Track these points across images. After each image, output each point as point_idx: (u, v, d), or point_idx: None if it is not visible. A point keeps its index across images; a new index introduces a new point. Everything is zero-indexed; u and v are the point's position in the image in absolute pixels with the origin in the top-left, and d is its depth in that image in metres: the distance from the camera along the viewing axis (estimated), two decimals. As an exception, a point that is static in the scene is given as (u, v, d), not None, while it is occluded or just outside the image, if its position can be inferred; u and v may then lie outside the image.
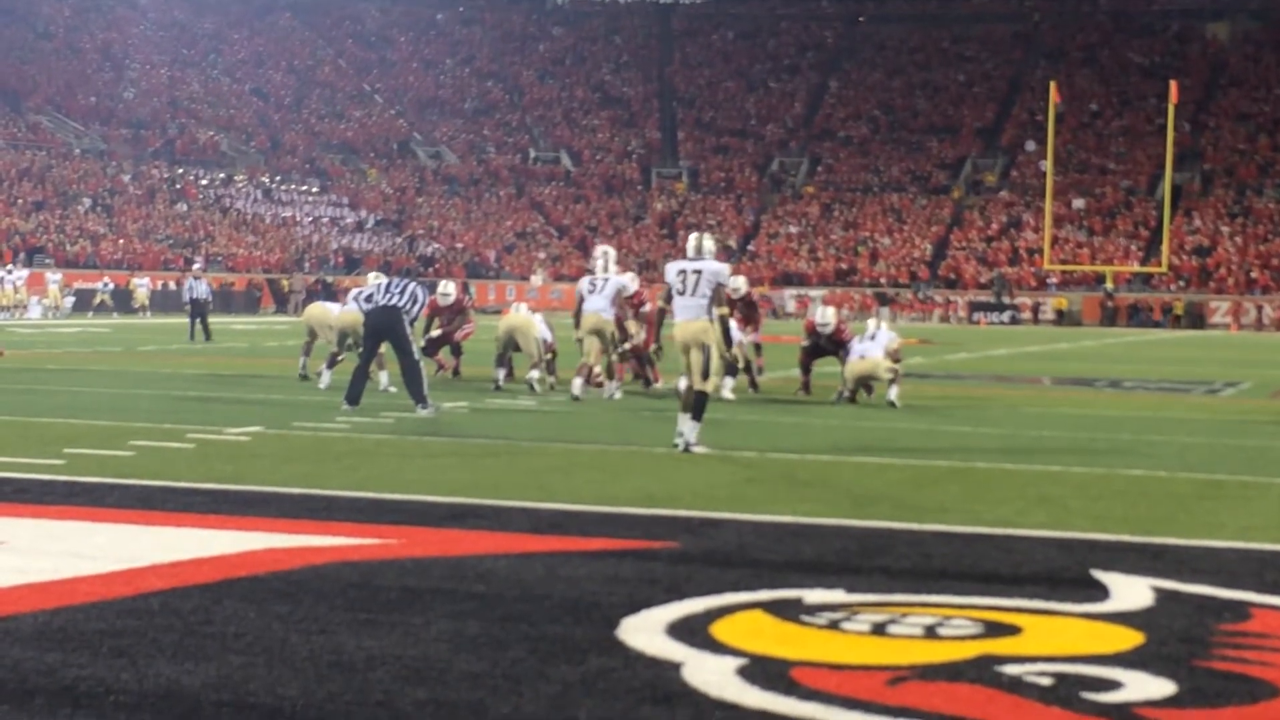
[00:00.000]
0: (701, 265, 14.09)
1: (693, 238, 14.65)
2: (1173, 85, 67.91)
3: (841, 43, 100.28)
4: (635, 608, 7.15)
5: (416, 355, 17.60)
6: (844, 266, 79.61)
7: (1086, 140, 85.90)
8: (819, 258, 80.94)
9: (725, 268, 14.52)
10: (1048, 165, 69.41)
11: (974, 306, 73.64)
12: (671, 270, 14.35)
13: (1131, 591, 7.81)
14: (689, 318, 14.02)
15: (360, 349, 18.64)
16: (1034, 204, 79.18)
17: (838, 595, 7.57)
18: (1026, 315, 72.79)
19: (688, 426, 13.72)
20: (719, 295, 14.07)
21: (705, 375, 13.77)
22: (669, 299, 14.23)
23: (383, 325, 17.58)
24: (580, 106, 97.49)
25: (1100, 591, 7.82)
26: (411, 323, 17.74)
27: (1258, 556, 9.08)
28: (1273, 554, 9.18)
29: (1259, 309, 70.57)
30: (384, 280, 18.42)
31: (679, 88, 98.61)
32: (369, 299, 17.93)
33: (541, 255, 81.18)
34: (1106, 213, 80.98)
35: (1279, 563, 8.90)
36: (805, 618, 7.08)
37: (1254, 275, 73.28)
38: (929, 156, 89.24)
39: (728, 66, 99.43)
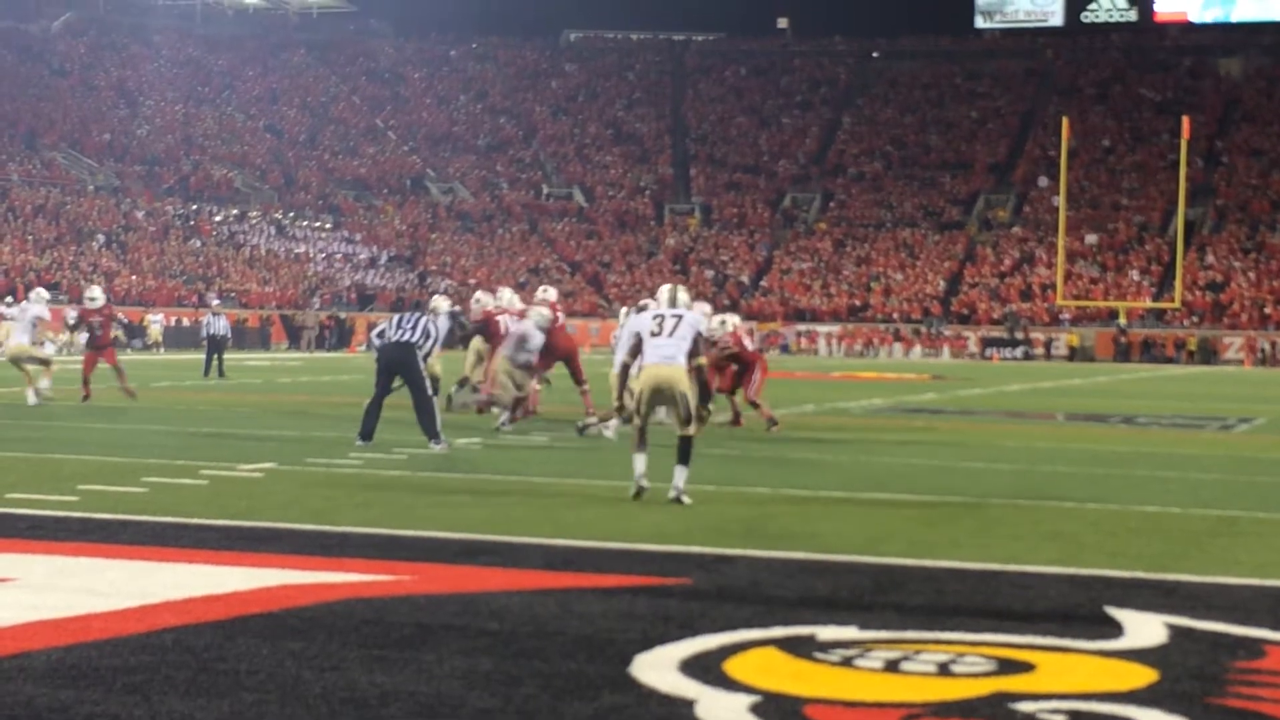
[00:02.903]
0: (682, 312, 13.55)
1: (666, 289, 14.11)
2: (1185, 121, 67.96)
3: (854, 79, 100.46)
4: (648, 644, 7.14)
5: (430, 391, 17.61)
6: (856, 303, 79.59)
7: (1099, 176, 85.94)
8: (831, 294, 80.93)
9: (704, 319, 14.30)
10: (1060, 201, 69.45)
11: (987, 342, 73.61)
12: (644, 317, 13.73)
13: (1146, 628, 7.79)
14: (662, 360, 13.19)
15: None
16: (1047, 239, 79.18)
17: (851, 632, 7.55)
18: (1039, 351, 72.73)
19: (679, 474, 12.96)
20: (698, 345, 13.46)
21: (687, 421, 13.07)
22: (634, 353, 13.50)
23: (395, 361, 17.60)
24: (593, 142, 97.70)
25: (1114, 628, 7.80)
26: (425, 358, 17.76)
27: (1273, 593, 9.06)
28: (1287, 591, 9.16)
29: (1272, 344, 70.43)
30: (396, 315, 18.47)
31: (692, 124, 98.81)
32: (381, 334, 17.97)
33: (554, 291, 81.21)
34: (1119, 248, 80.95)
35: (1293, 600, 8.87)
36: (818, 655, 7.07)
37: (1267, 311, 73.18)
38: (942, 192, 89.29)
39: (740, 102, 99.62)
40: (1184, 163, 66.24)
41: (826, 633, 7.52)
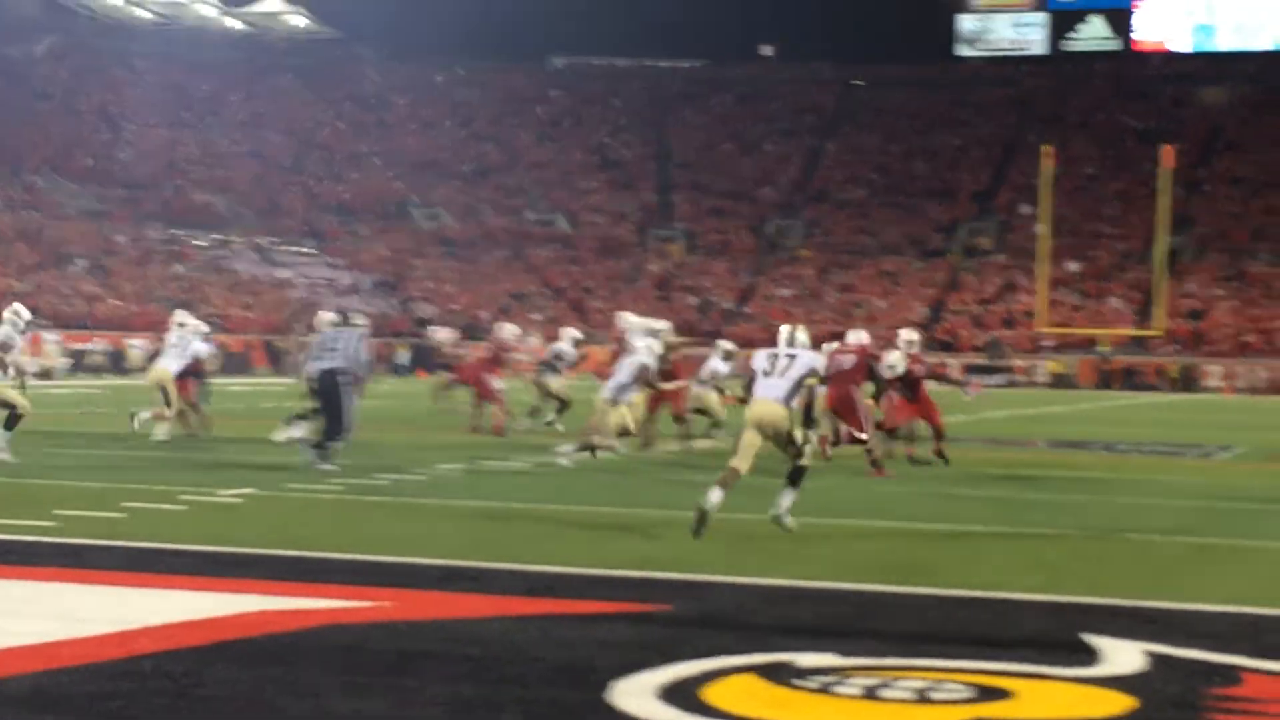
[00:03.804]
0: (797, 352, 13.73)
1: (785, 328, 14.18)
2: (1166, 149, 68.19)
3: (838, 106, 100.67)
4: (627, 671, 7.14)
5: (349, 419, 17.64)
6: (839, 329, 79.62)
7: (1081, 204, 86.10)
8: (814, 320, 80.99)
9: (821, 359, 14.37)
10: (1043, 229, 69.63)
11: (969, 369, 73.66)
12: (761, 354, 13.86)
13: (1124, 656, 7.81)
14: (771, 398, 13.36)
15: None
16: (1029, 267, 79.34)
17: (830, 659, 7.56)
18: (1022, 378, 72.83)
19: (787, 497, 13.13)
20: (810, 388, 13.68)
21: (798, 455, 13.20)
22: (749, 388, 13.61)
23: (326, 386, 17.73)
24: (578, 169, 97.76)
25: (1092, 656, 7.82)
26: (357, 381, 17.82)
27: (1250, 620, 9.09)
28: (1265, 618, 9.19)
29: (1253, 373, 70.59)
30: (321, 335, 18.53)
31: (676, 150, 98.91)
32: (318, 357, 18.03)
33: (537, 317, 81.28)
34: (1101, 276, 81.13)
35: (1272, 627, 8.90)
36: (797, 681, 7.08)
37: (1248, 339, 73.36)
38: (925, 220, 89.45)
39: (724, 129, 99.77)
40: (1165, 191, 66.44)
41: (806, 659, 7.53)
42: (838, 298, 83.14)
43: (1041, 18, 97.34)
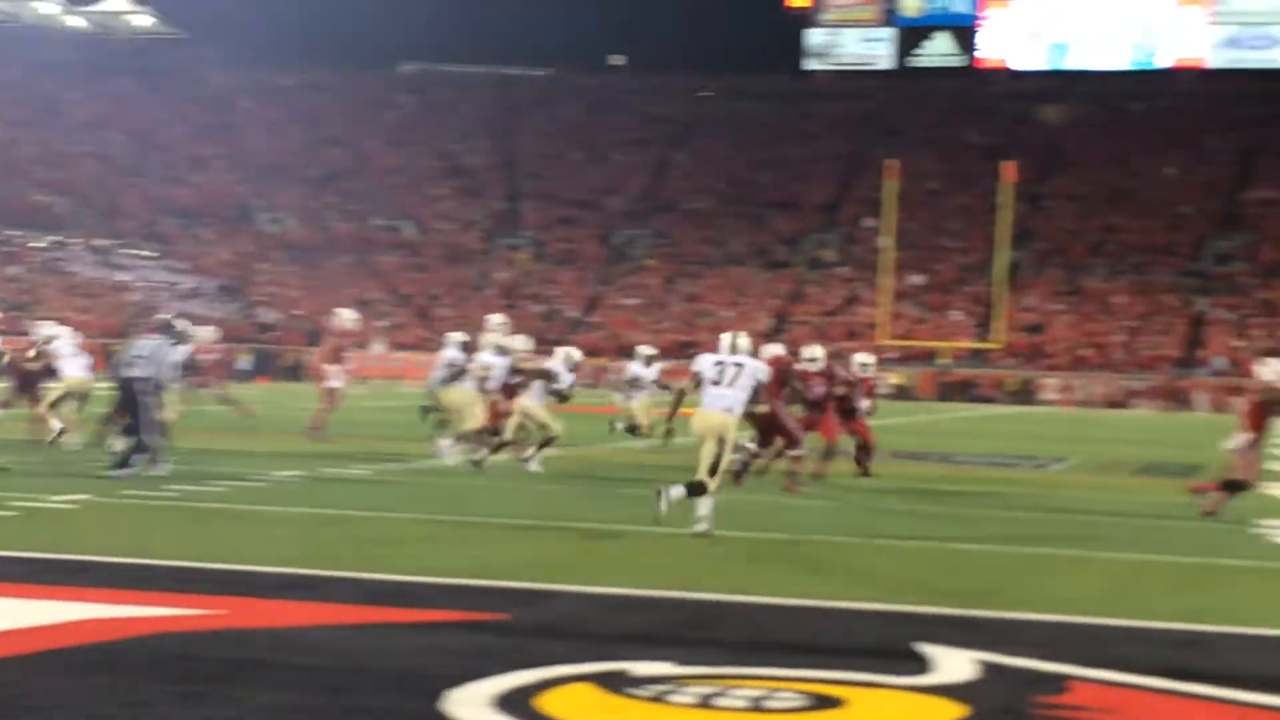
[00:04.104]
0: (743, 360, 14.02)
1: (727, 336, 14.54)
2: (1008, 165, 69.23)
3: (687, 117, 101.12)
4: (462, 680, 7.12)
5: (153, 431, 17.47)
6: (684, 339, 79.99)
7: (924, 218, 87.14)
8: (660, 330, 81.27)
9: (766, 367, 14.59)
10: (886, 242, 70.41)
11: (813, 380, 74.15)
12: (707, 360, 14.18)
13: (955, 664, 7.91)
14: (720, 409, 13.74)
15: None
16: (872, 280, 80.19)
17: (666, 668, 7.59)
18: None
19: (703, 505, 13.37)
20: (758, 393, 14.14)
21: (713, 472, 13.50)
22: (697, 386, 13.97)
23: (126, 395, 17.61)
24: (426, 175, 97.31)
25: (924, 664, 7.92)
26: (158, 389, 17.66)
27: (1078, 629, 9.25)
28: (1092, 627, 9.36)
29: (1089, 386, 71.86)
30: (139, 342, 18.35)
31: (524, 158, 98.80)
32: (128, 364, 17.86)
33: (382, 324, 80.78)
34: (943, 289, 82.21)
35: (1098, 635, 9.07)
36: (631, 690, 7.09)
37: (1084, 353, 74.69)
38: (771, 231, 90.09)
39: (573, 138, 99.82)
40: (1006, 206, 67.46)
41: (641, 668, 7.55)
42: (684, 307, 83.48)
43: (889, 33, 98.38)
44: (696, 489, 13.40)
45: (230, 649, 7.76)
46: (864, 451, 21.06)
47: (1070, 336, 76.59)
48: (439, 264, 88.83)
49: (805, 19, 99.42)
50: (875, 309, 75.46)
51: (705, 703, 6.90)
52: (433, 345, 74.18)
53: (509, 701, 6.76)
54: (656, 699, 6.95)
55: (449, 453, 20.97)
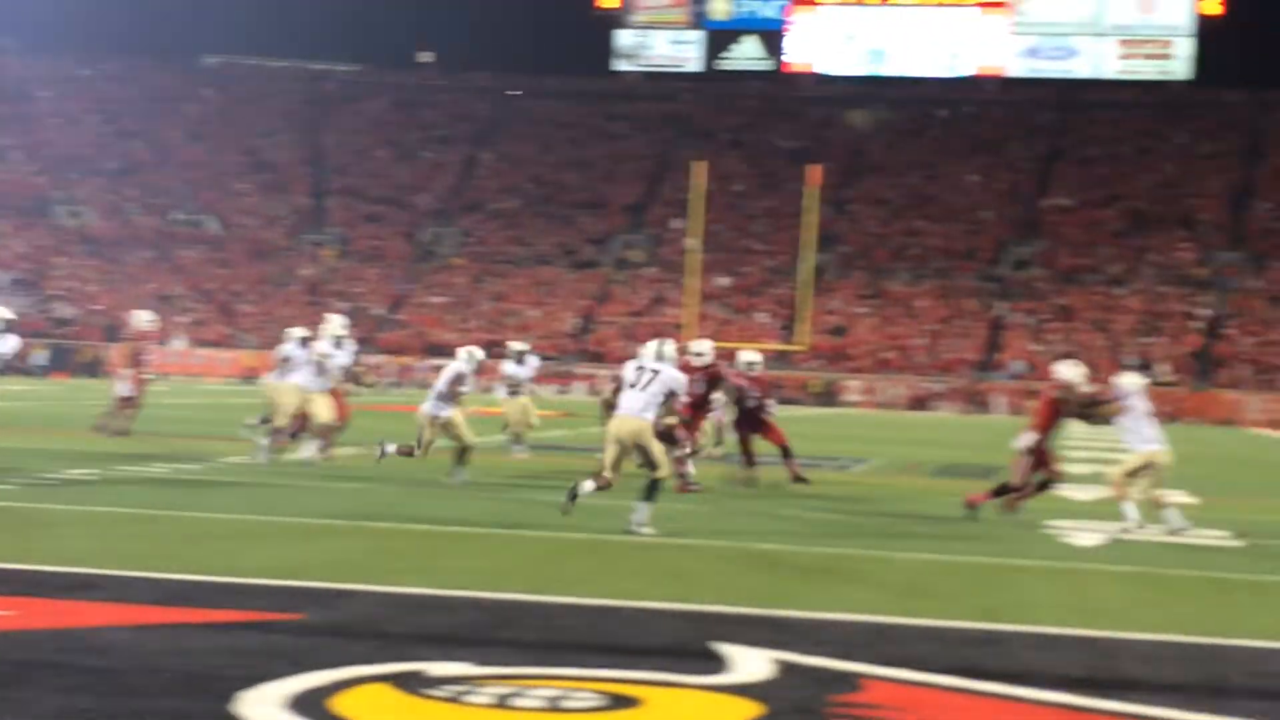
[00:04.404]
0: (660, 369, 14.37)
1: (654, 343, 15.15)
2: (813, 169, 70.02)
3: (494, 115, 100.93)
4: (255, 681, 7.02)
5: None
6: (492, 338, 79.85)
7: (731, 220, 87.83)
8: (467, 328, 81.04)
9: (682, 380, 14.83)
10: (693, 243, 70.83)
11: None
12: (630, 367, 14.60)
13: (752, 663, 7.96)
14: (632, 413, 14.12)
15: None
16: (679, 281, 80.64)
17: (464, 668, 7.55)
18: (670, 390, 73.95)
19: (643, 508, 13.88)
20: (671, 403, 14.53)
21: (655, 467, 14.03)
22: (617, 391, 14.60)
23: None
24: (229, 169, 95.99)
25: (721, 663, 7.96)
26: None
27: (873, 629, 9.36)
28: (887, 626, 9.47)
29: (891, 388, 72.94)
30: None
31: (331, 154, 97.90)
32: None
33: (183, 320, 79.56)
34: (750, 291, 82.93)
35: (892, 635, 9.18)
36: (428, 690, 7.05)
37: (887, 356, 75.81)
38: (578, 231, 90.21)
39: (380, 134, 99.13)
40: (812, 210, 68.19)
41: (438, 668, 7.51)
42: (491, 306, 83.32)
43: (698, 36, 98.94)
44: (650, 491, 13.95)
45: (17, 651, 7.57)
46: (785, 455, 20.91)
47: (873, 339, 77.69)
48: (242, 260, 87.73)
49: (614, 20, 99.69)
50: (682, 310, 75.90)
51: (502, 703, 6.88)
52: (234, 342, 73.43)
53: (302, 702, 6.68)
54: (453, 699, 6.91)
55: (304, 451, 20.64)
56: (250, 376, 66.40)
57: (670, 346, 14.95)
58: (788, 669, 7.88)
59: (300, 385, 21.03)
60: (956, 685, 7.70)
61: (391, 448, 18.86)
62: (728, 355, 22.83)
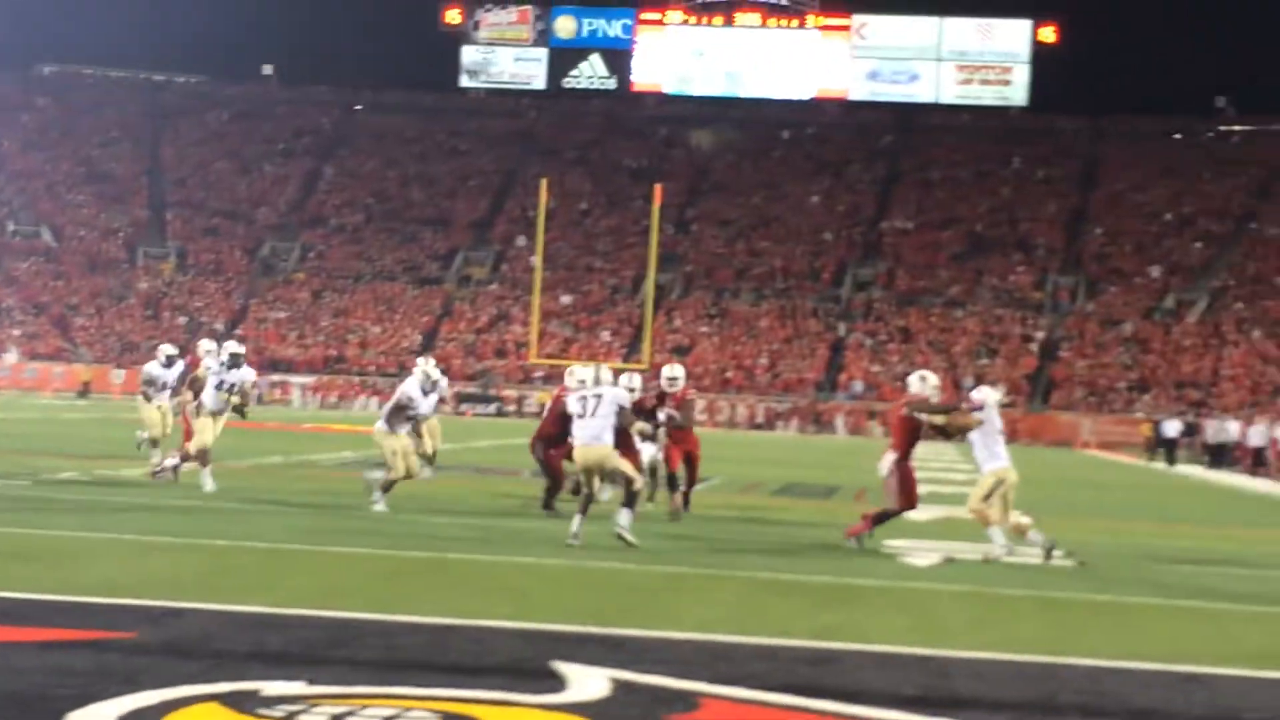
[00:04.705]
0: (602, 390, 14.96)
1: (592, 369, 15.68)
2: (657, 188, 70.28)
3: (337, 129, 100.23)
4: (85, 701, 6.91)
5: None
6: (333, 353, 79.23)
7: (575, 238, 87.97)
8: (308, 344, 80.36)
9: (626, 395, 15.54)
10: (537, 261, 70.79)
11: (461, 398, 74.20)
12: (573, 399, 15.14)
13: (589, 682, 7.96)
14: (589, 442, 14.79)
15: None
16: (523, 298, 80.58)
17: (298, 687, 7.47)
18: (511, 408, 73.82)
19: (624, 514, 14.59)
20: (623, 417, 15.00)
21: (630, 482, 14.78)
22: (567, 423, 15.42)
23: None
24: (65, 180, 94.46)
25: (559, 682, 7.95)
26: None
27: (711, 648, 9.39)
28: (725, 645, 9.51)
29: (732, 408, 73.38)
30: None
31: (170, 166, 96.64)
32: None
33: (16, 333, 78.13)
34: (593, 309, 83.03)
35: (729, 654, 9.22)
36: (262, 710, 6.97)
37: (729, 375, 76.24)
38: (422, 247, 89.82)
39: (221, 147, 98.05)
40: (655, 229, 68.46)
41: (272, 688, 7.42)
42: (332, 322, 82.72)
43: (542, 53, 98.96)
44: (628, 499, 14.73)
45: None
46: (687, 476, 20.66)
47: (716, 358, 78.08)
48: (78, 272, 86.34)
49: (460, 37, 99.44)
50: (526, 327, 75.83)
51: (336, 723, 6.82)
52: (68, 356, 72.19)
53: (133, 723, 6.58)
54: (286, 719, 6.84)
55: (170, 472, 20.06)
56: (84, 392, 65.35)
57: (606, 370, 15.60)
58: (625, 688, 7.89)
59: (168, 406, 20.79)
60: (793, 704, 7.75)
61: (378, 474, 18.41)
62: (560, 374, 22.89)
